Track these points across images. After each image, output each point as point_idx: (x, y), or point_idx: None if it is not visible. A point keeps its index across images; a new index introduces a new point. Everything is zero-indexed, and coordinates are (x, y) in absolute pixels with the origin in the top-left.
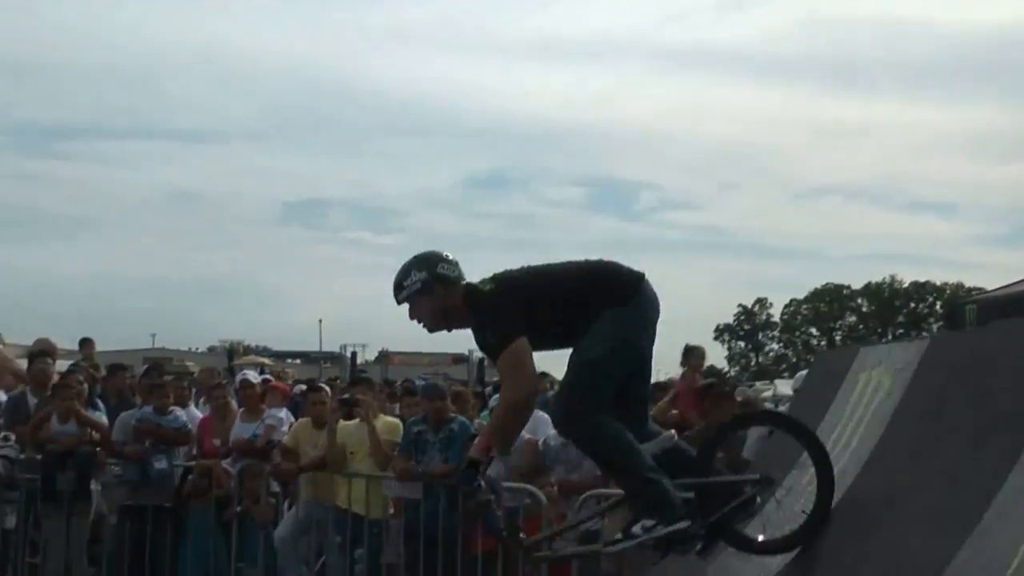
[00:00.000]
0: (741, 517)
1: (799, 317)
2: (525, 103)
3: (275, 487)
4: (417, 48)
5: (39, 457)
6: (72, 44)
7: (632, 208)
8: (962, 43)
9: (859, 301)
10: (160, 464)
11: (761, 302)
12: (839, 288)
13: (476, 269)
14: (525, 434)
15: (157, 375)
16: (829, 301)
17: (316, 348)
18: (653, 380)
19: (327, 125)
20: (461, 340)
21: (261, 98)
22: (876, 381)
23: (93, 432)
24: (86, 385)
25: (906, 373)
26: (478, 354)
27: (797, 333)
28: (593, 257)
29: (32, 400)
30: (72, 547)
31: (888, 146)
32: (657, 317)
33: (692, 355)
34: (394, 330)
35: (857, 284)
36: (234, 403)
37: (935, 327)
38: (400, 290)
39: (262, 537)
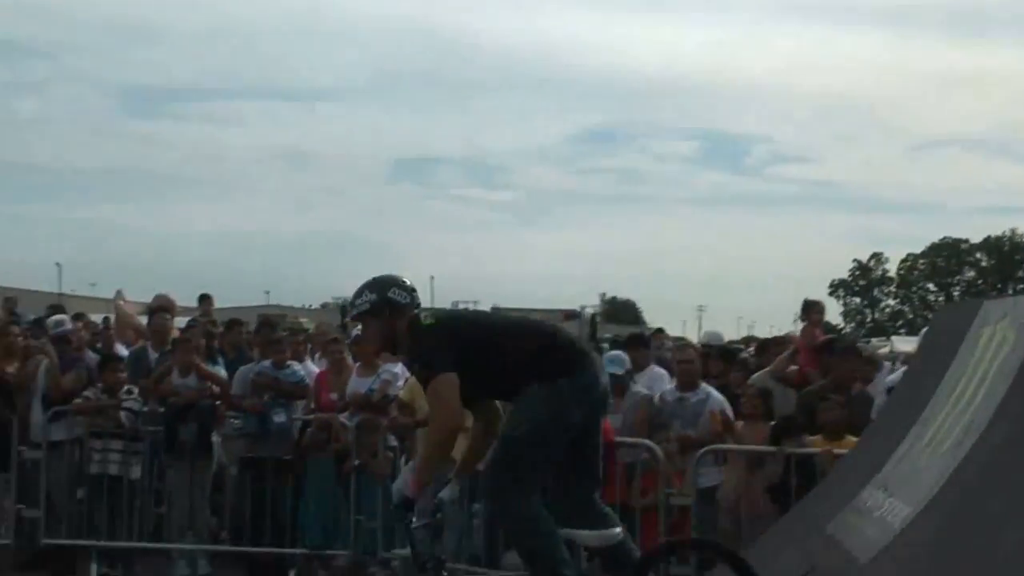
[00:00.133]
0: None
1: (916, 272)
2: (634, 57)
3: (392, 441)
4: (524, 2)
5: (161, 410)
6: (182, 4)
7: (744, 162)
8: None
9: (978, 255)
10: (279, 418)
11: (877, 257)
12: (957, 242)
13: (588, 225)
14: (642, 389)
15: (270, 331)
16: (947, 256)
17: (428, 305)
18: (768, 335)
19: (435, 82)
20: (574, 296)
21: (370, 56)
22: (1001, 335)
23: (213, 386)
24: (204, 340)
25: None
26: (590, 310)
27: (914, 289)
28: (548, 323)
29: (153, 355)
30: (195, 497)
31: (1007, 95)
32: (597, 396)
33: (812, 310)
34: (506, 287)
35: (976, 238)
36: (349, 358)
37: None
38: (351, 308)
39: (381, 491)
